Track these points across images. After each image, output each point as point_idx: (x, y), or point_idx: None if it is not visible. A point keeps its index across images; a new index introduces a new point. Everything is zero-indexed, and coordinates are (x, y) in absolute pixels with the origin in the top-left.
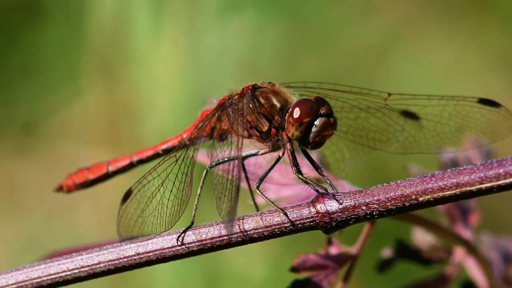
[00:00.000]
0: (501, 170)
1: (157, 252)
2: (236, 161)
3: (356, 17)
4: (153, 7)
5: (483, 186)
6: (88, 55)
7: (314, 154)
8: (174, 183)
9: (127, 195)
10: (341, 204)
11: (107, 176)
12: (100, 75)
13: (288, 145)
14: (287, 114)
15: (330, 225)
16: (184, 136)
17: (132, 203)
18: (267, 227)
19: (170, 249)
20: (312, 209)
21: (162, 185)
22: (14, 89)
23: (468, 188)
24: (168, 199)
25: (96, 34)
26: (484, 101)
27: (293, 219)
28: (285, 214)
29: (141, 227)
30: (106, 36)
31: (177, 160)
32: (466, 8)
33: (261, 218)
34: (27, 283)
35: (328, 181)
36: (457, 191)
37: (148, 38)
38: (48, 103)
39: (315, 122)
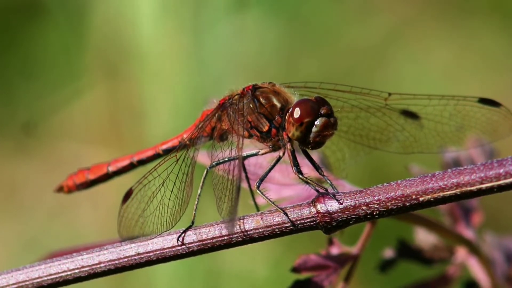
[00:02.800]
0: (501, 170)
1: (157, 252)
2: (237, 161)
3: (356, 17)
4: (155, 5)
5: (483, 186)
6: (89, 54)
7: (315, 154)
8: (174, 183)
9: (128, 195)
10: (341, 204)
11: (107, 176)
12: (101, 74)
13: (288, 145)
14: (287, 114)
15: (330, 225)
16: (185, 136)
17: (133, 203)
18: (267, 227)
19: (170, 249)
20: (313, 209)
21: (162, 185)
22: (14, 89)
23: (469, 188)
24: (169, 199)
25: (97, 32)
26: (484, 101)
27: (294, 219)
28: (286, 214)
29: (142, 227)
30: (107, 35)
31: (177, 160)
32: (466, 7)
33: (262, 218)
34: (27, 283)
35: (329, 181)
36: (458, 191)
37: (150, 37)
38: (48, 103)
39: (316, 122)
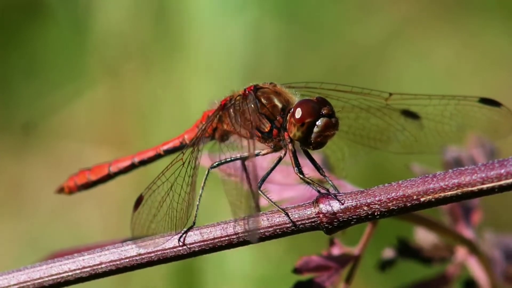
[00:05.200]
0: (502, 171)
1: (158, 253)
2: (251, 163)
3: (356, 15)
4: (155, 4)
5: (484, 186)
6: (90, 53)
7: (316, 155)
8: (182, 186)
9: (139, 202)
10: (342, 204)
11: (108, 177)
12: (103, 73)
13: (289, 146)
14: (288, 114)
15: (332, 226)
16: (186, 136)
17: (144, 209)
18: (269, 227)
19: (171, 250)
20: (314, 210)
21: (171, 189)
22: (15, 88)
23: (470, 189)
24: (177, 203)
25: (98, 30)
26: (485, 101)
27: (295, 220)
28: (287, 214)
29: (154, 232)
30: (109, 32)
31: (183, 163)
32: (468, 6)
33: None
34: (28, 283)
35: (330, 182)
36: (459, 191)
37: (152, 35)
38: (49, 102)
39: (317, 123)
